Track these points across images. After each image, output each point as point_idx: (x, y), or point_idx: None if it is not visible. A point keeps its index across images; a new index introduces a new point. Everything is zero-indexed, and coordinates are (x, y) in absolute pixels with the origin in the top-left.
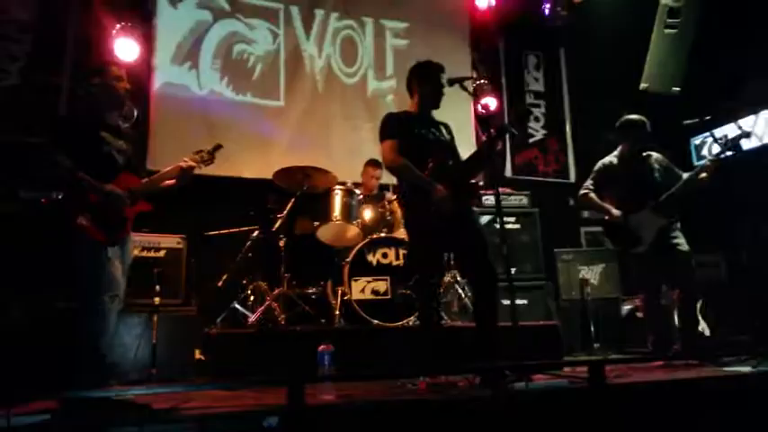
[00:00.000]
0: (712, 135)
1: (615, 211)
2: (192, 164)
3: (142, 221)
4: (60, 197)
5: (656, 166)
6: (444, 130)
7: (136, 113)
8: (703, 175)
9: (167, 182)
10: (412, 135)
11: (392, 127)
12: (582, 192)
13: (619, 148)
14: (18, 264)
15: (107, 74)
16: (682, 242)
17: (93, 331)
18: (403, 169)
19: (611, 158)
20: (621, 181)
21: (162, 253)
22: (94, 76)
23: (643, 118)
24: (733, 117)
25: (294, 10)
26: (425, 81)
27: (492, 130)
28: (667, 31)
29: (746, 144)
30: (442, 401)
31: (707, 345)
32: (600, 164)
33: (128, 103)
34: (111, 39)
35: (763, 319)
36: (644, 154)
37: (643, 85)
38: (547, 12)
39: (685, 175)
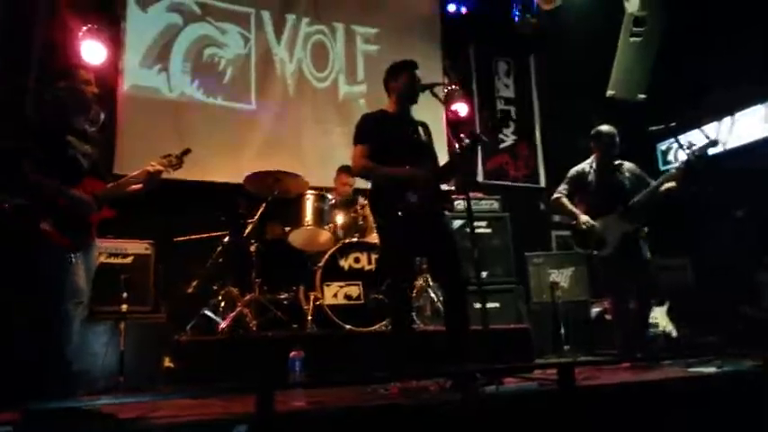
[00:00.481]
0: (677, 141)
1: (583, 217)
2: (160, 168)
3: (109, 227)
4: (23, 202)
5: (628, 174)
6: (422, 130)
7: (102, 117)
8: (670, 184)
9: (134, 186)
10: (389, 136)
11: (366, 131)
12: (555, 196)
13: (592, 157)
14: None
15: (74, 77)
16: (644, 250)
17: (58, 339)
18: (372, 172)
19: (585, 165)
20: (592, 187)
21: (129, 259)
22: (61, 79)
23: (613, 129)
24: (697, 124)
25: (265, 15)
26: (398, 76)
27: (464, 140)
28: (633, 39)
29: (712, 151)
30: (414, 406)
31: (673, 346)
32: (573, 170)
33: (95, 107)
34: (77, 41)
35: (729, 321)
36: (616, 163)
37: (609, 92)
38: (516, 19)
39: (653, 184)
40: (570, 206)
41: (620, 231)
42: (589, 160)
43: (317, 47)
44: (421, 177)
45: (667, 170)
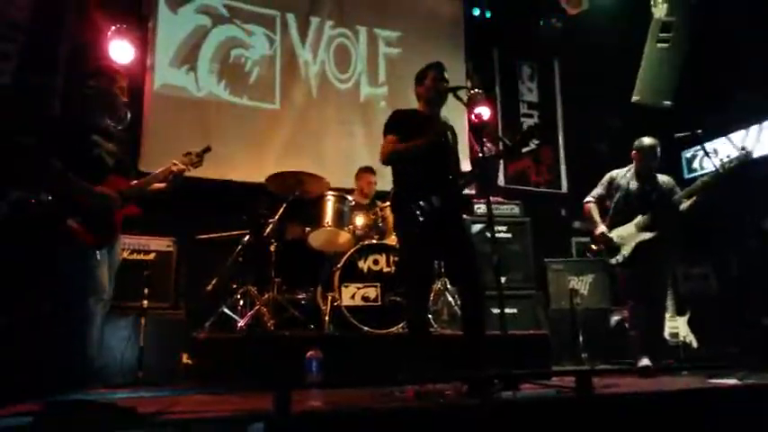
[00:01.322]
0: (703, 148)
1: (600, 228)
2: (183, 167)
3: (133, 224)
4: (50, 199)
5: (660, 186)
6: (449, 133)
7: (129, 116)
8: (688, 203)
9: (157, 185)
10: (417, 132)
11: (396, 123)
12: (585, 200)
13: (631, 165)
14: (4, 265)
15: (102, 77)
16: (661, 257)
17: (79, 335)
18: (395, 153)
19: (622, 171)
20: (620, 195)
21: (152, 256)
22: (90, 78)
23: (656, 141)
24: (723, 131)
25: (290, 17)
26: (424, 79)
27: (487, 143)
28: (660, 45)
29: (743, 161)
30: (430, 410)
31: (695, 357)
32: (608, 175)
33: (122, 107)
34: (106, 40)
35: (752, 332)
36: (651, 175)
37: (635, 98)
38: (542, 23)
39: (678, 194)
40: (595, 214)
41: (636, 240)
42: (627, 167)
43: (339, 49)
44: (433, 135)
45: (693, 178)
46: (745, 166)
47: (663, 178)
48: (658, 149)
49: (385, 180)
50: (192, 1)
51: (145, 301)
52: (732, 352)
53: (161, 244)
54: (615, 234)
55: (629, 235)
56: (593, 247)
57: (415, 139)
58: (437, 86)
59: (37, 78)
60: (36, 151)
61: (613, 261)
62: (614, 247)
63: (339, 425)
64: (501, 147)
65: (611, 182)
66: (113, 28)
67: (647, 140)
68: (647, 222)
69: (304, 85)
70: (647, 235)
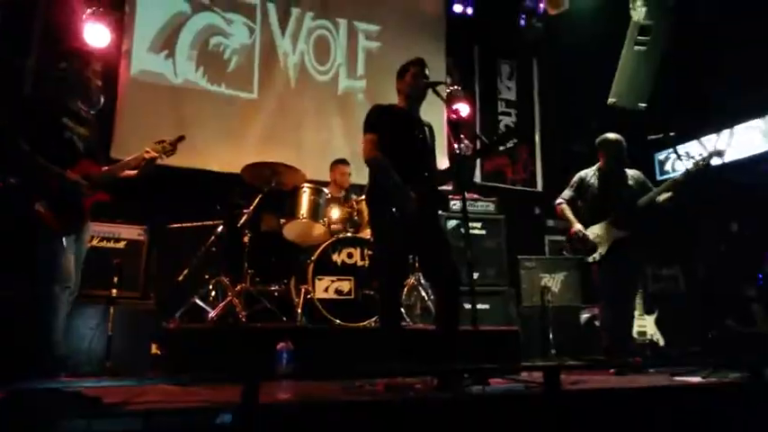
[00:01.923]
0: (676, 151)
1: (576, 226)
2: (155, 154)
3: (104, 211)
4: (17, 182)
5: (631, 182)
6: (427, 131)
7: (102, 100)
8: (668, 195)
9: (128, 172)
10: (396, 130)
11: (376, 121)
12: (556, 201)
13: (598, 163)
14: None
15: (75, 59)
16: (633, 256)
17: (44, 322)
18: (378, 166)
19: (589, 171)
20: (592, 194)
21: (122, 244)
22: (63, 60)
23: (620, 137)
24: (696, 135)
25: (271, 7)
26: (405, 74)
27: (464, 140)
28: (637, 47)
29: (714, 162)
30: (399, 403)
31: (661, 354)
32: (577, 176)
33: (95, 91)
34: (81, 23)
35: (717, 331)
36: (620, 170)
37: (611, 100)
38: (522, 22)
39: (652, 192)
40: (568, 213)
41: (612, 238)
42: (595, 166)
43: (319, 41)
44: (410, 204)
45: (664, 180)
46: (716, 167)
47: (632, 173)
48: (623, 144)
49: (360, 173)
50: None
51: (114, 290)
52: (697, 351)
53: (132, 232)
54: (591, 232)
55: (604, 233)
56: (569, 245)
57: (392, 137)
58: (417, 83)
59: (9, 59)
60: (4, 133)
61: (590, 259)
62: (591, 246)
63: (307, 416)
64: (478, 144)
65: (581, 182)
66: (88, 11)
67: (610, 135)
68: (619, 220)
69: (282, 75)
70: (622, 233)
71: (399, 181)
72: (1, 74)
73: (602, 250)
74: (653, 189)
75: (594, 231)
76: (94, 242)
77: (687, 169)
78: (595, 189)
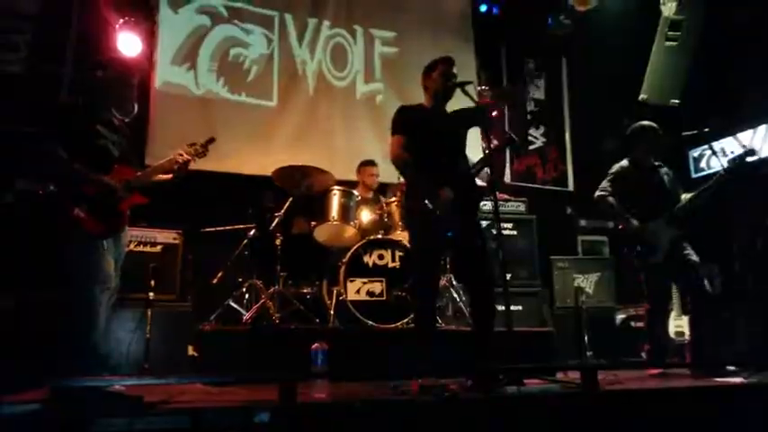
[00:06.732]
0: (711, 148)
1: (635, 221)
2: (187, 157)
3: (140, 216)
4: (56, 188)
5: (666, 178)
6: (459, 120)
7: (136, 109)
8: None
9: (163, 176)
10: (424, 129)
11: (402, 122)
12: (600, 193)
13: (631, 154)
14: (11, 253)
15: (111, 68)
16: (692, 254)
17: (85, 323)
18: (406, 168)
19: (625, 163)
20: (638, 187)
21: (158, 248)
22: (99, 68)
23: (655, 125)
24: (731, 131)
25: (288, 18)
26: (433, 71)
27: (493, 140)
28: (668, 43)
29: (750, 159)
30: (434, 403)
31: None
32: (616, 168)
33: (129, 99)
34: (113, 33)
35: (758, 331)
36: (656, 163)
37: (642, 97)
38: (550, 20)
39: (702, 188)
40: (619, 207)
41: (669, 236)
42: (627, 158)
43: (336, 48)
44: (441, 202)
45: (700, 177)
46: (751, 164)
47: (665, 169)
48: (660, 132)
49: (391, 173)
50: (193, 1)
51: (151, 294)
52: (737, 351)
53: (168, 236)
54: (649, 228)
55: (660, 230)
56: (624, 241)
57: (421, 136)
58: (444, 81)
59: (46, 68)
60: (41, 140)
61: (653, 261)
62: (650, 244)
63: (343, 416)
64: (507, 139)
65: (621, 176)
66: (121, 20)
67: (647, 123)
68: (673, 218)
69: (301, 83)
70: (676, 231)
71: (426, 181)
72: (38, 82)
73: (663, 250)
74: (680, 187)
75: (652, 229)
76: (131, 246)
77: (726, 167)
78: (639, 185)
